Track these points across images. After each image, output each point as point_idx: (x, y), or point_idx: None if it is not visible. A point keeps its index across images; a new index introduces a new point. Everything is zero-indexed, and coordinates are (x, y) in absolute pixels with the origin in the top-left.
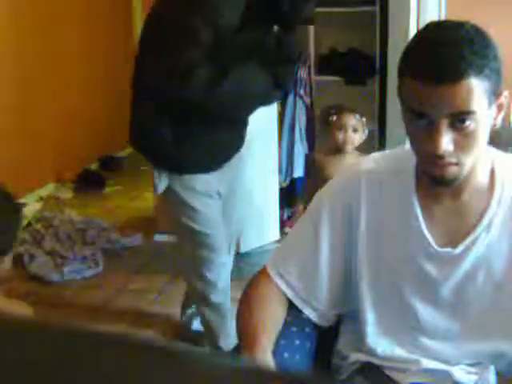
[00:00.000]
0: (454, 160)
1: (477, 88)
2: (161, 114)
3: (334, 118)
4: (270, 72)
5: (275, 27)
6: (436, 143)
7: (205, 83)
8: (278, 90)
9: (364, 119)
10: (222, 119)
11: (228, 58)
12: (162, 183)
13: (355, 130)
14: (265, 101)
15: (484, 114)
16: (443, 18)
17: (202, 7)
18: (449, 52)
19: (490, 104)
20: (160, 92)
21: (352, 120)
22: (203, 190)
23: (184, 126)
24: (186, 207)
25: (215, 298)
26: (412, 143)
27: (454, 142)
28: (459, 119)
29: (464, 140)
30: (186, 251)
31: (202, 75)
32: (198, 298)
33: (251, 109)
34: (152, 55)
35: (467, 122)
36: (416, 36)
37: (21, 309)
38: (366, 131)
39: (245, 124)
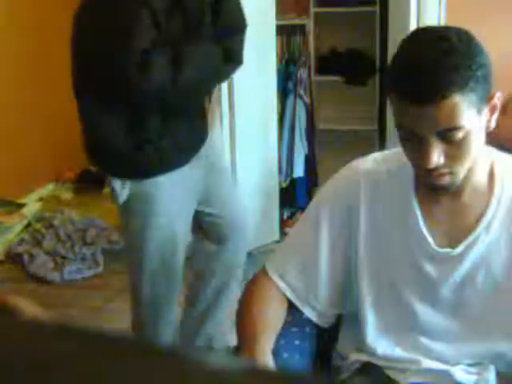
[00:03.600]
0: (446, 170)
1: (461, 103)
2: (111, 114)
3: None
4: (218, 46)
5: None
6: (426, 158)
7: (166, 72)
8: (231, 63)
9: None
10: (180, 111)
11: (170, 40)
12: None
13: None
14: (220, 79)
15: (473, 123)
16: (443, 18)
17: None
18: (427, 71)
19: (479, 111)
20: (112, 90)
21: None
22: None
23: (140, 125)
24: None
25: None
26: (406, 155)
27: (445, 153)
28: (447, 133)
29: (455, 150)
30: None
31: (161, 63)
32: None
33: (209, 91)
34: (95, 49)
35: (456, 135)
36: (399, 48)
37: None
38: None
39: (203, 110)
